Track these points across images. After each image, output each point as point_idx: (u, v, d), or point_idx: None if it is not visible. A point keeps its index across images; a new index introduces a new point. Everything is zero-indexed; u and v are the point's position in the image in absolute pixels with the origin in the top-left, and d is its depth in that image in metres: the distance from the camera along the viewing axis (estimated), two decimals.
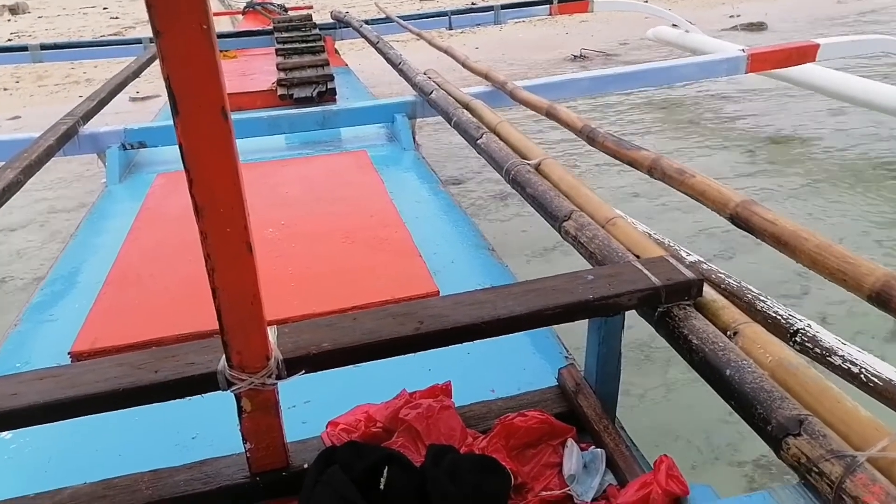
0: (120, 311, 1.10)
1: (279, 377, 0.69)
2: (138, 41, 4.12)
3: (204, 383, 0.68)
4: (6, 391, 0.67)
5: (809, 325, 0.76)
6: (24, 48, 4.06)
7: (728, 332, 0.74)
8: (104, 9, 10.96)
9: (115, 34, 8.49)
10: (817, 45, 2.61)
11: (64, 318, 1.18)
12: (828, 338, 0.73)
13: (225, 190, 0.57)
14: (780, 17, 7.00)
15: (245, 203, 0.58)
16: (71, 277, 1.36)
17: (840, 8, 7.37)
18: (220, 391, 0.69)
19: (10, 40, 8.55)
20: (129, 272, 1.23)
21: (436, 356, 0.78)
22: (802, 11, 7.28)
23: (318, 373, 0.72)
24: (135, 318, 1.08)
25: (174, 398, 0.69)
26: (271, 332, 0.70)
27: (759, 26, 6.62)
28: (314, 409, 0.89)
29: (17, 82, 6.70)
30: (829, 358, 0.71)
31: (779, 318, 0.79)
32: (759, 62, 2.55)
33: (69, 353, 0.99)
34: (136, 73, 2.79)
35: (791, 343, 0.76)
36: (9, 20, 10.54)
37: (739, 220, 1.01)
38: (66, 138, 1.85)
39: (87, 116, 2.06)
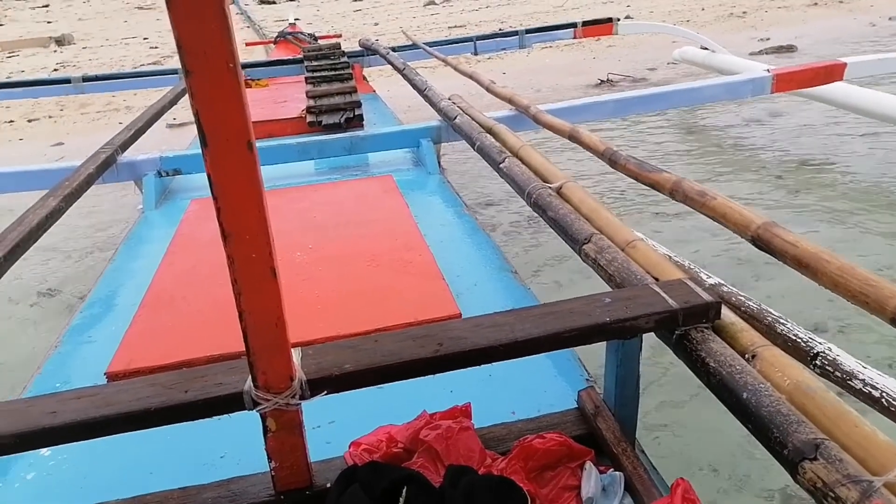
0: (154, 333, 1.14)
1: (303, 397, 0.71)
2: (174, 71, 4.27)
3: (231, 403, 0.71)
4: (46, 409, 0.70)
5: (830, 349, 0.75)
6: (67, 80, 4.23)
7: (746, 355, 0.74)
8: (144, 39, 11.37)
9: (154, 63, 8.79)
10: (844, 64, 2.59)
11: (101, 340, 1.23)
12: (848, 361, 0.73)
13: (251, 217, 0.60)
14: (810, 40, 6.92)
15: (270, 230, 0.61)
16: (108, 300, 1.41)
17: (873, 31, 7.26)
18: (247, 411, 0.71)
19: (55, 70, 8.92)
20: (164, 295, 1.27)
21: (457, 377, 0.79)
22: (833, 34, 7.19)
23: (342, 394, 0.74)
24: (168, 340, 1.12)
25: (203, 417, 0.71)
26: (295, 354, 0.73)
27: (788, 49, 6.56)
28: (338, 429, 0.91)
29: (62, 110, 6.97)
30: (849, 382, 0.71)
31: (799, 340, 0.79)
32: (785, 82, 2.54)
33: (105, 374, 1.03)
34: (173, 102, 2.89)
35: (811, 366, 0.76)
36: (55, 51, 11.00)
37: (761, 243, 1.01)
38: (105, 166, 1.93)
39: (126, 145, 2.14)
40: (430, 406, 0.89)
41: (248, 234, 0.61)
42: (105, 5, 17.84)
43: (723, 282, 0.96)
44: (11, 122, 6.74)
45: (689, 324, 0.78)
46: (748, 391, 0.67)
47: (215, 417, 0.74)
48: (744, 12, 8.50)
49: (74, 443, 0.71)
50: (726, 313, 0.81)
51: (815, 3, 8.60)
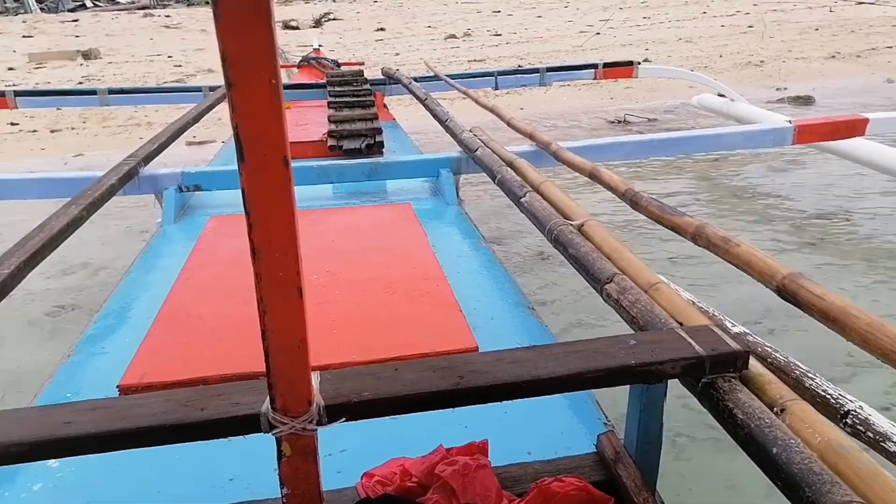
0: (168, 348, 1.14)
1: (320, 423, 0.70)
2: (198, 89, 4.33)
3: (247, 424, 0.69)
4: (60, 419, 0.69)
5: (861, 407, 0.74)
6: (93, 92, 4.30)
7: (775, 409, 0.72)
8: (169, 57, 11.58)
9: (177, 81, 8.94)
10: (867, 119, 2.59)
11: (114, 352, 1.22)
12: (881, 422, 0.71)
13: (281, 235, 0.60)
14: (827, 92, 6.98)
15: (299, 249, 0.60)
16: (122, 312, 1.41)
17: (891, 88, 7.31)
18: (262, 433, 0.70)
19: (80, 83, 9.09)
20: (179, 311, 1.27)
21: (473, 413, 0.78)
22: (851, 88, 7.25)
23: (355, 422, 0.72)
24: (182, 356, 1.11)
25: (218, 437, 0.70)
26: (314, 378, 0.72)
27: (806, 100, 6.61)
28: (350, 458, 0.89)
29: (84, 122, 7.08)
30: (882, 444, 0.69)
31: (828, 397, 0.77)
32: (807, 134, 2.54)
33: (118, 387, 1.02)
34: (196, 119, 2.93)
35: (841, 424, 0.74)
36: (81, 64, 11.22)
37: (786, 293, 0.99)
38: (127, 178, 1.94)
39: (148, 158, 2.16)
40: (443, 440, 0.87)
41: (277, 251, 0.60)
42: (132, 23, 18.25)
43: (748, 331, 0.94)
44: (35, 131, 6.86)
45: (715, 372, 0.77)
46: (778, 446, 0.65)
47: (226, 438, 0.72)
48: (761, 61, 8.59)
49: (85, 455, 0.70)
50: (753, 364, 0.80)
51: (833, 57, 8.69)
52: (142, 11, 22.35)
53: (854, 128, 2.61)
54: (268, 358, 0.66)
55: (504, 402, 0.76)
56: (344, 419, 0.70)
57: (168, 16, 20.22)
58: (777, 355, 0.86)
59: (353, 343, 1.13)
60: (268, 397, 0.69)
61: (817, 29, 10.75)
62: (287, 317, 0.64)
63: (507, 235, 3.36)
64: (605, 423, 0.99)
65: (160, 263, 1.68)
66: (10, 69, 10.78)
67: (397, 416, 0.74)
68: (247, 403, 0.71)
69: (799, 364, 0.84)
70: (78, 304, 2.83)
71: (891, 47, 8.94)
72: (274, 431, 0.69)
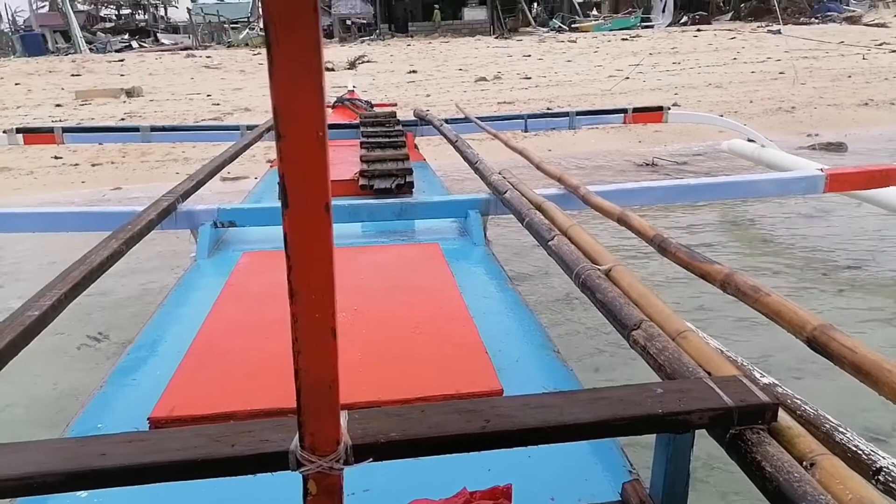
0: (199, 382, 1.16)
1: (347, 462, 0.71)
2: (236, 128, 4.47)
3: (276, 461, 0.71)
4: (96, 451, 0.71)
5: (894, 464, 0.72)
6: (135, 129, 4.47)
7: (804, 463, 0.71)
8: (208, 95, 11.99)
9: (214, 119, 9.24)
10: None
11: (145, 384, 1.25)
12: None
13: (319, 277, 0.62)
14: (860, 139, 6.92)
15: (334, 291, 0.62)
16: (154, 345, 1.44)
17: None
18: (283, 472, 0.71)
19: (122, 119, 9.45)
20: (211, 345, 1.30)
21: (496, 457, 0.78)
22: (885, 135, 7.18)
23: (382, 463, 0.73)
24: (212, 391, 1.13)
25: (246, 473, 0.71)
26: (343, 417, 0.73)
27: (838, 147, 6.56)
28: (373, 498, 0.90)
29: (124, 157, 7.34)
30: None
31: (860, 452, 0.75)
32: (838, 182, 2.52)
33: (148, 419, 1.04)
34: (233, 158, 3.02)
35: (873, 481, 0.72)
36: (124, 101, 11.68)
37: (817, 345, 0.98)
38: (165, 213, 2.01)
39: (186, 195, 2.23)
40: (466, 483, 0.87)
41: (314, 293, 0.62)
42: (175, 62, 18.99)
43: (777, 382, 0.93)
44: (76, 165, 7.12)
45: (744, 423, 0.76)
46: (808, 502, 0.64)
47: (250, 476, 0.74)
48: (792, 107, 8.57)
49: (117, 488, 0.72)
50: (782, 416, 0.79)
51: (866, 104, 8.63)
52: (184, 52, 23.26)
53: (888, 177, 2.58)
54: (299, 397, 0.67)
55: (528, 446, 0.76)
56: (371, 459, 0.71)
57: (209, 56, 21.00)
58: (807, 408, 0.85)
59: (378, 381, 1.14)
60: (297, 435, 0.70)
61: (850, 76, 10.71)
62: (320, 357, 0.66)
63: (531, 275, 3.36)
64: (629, 471, 0.98)
65: (193, 297, 1.72)
66: (58, 105, 11.28)
67: (419, 458, 0.75)
68: (276, 441, 0.72)
69: (829, 417, 0.83)
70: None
71: None
72: (301, 469, 0.70)
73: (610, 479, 0.95)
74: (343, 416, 0.74)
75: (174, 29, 44.12)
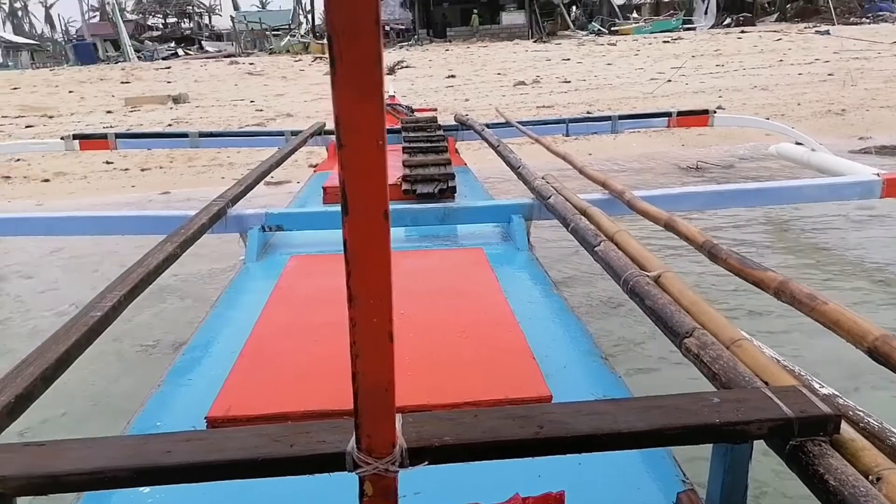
0: (253, 382, 1.19)
1: (402, 465, 0.72)
2: (280, 133, 4.56)
3: (333, 462, 0.72)
4: (161, 448, 0.74)
5: None
6: (184, 135, 4.60)
7: (870, 477, 0.69)
8: (251, 102, 12.25)
9: (257, 124, 9.44)
10: None
11: (201, 384, 1.28)
12: None
13: (378, 284, 0.63)
14: None
15: (391, 296, 0.63)
16: (208, 346, 1.48)
17: None
18: (345, 472, 0.72)
19: (169, 125, 9.73)
20: (263, 347, 1.33)
21: (547, 463, 0.78)
22: None
23: (435, 467, 0.74)
24: (266, 391, 1.16)
25: (305, 473, 0.73)
26: (397, 420, 0.74)
27: (892, 150, 6.34)
28: (425, 501, 0.90)
29: (171, 162, 7.55)
30: None
31: None
32: None
33: (206, 418, 1.07)
34: (279, 163, 3.08)
35: None
36: (171, 108, 12.03)
37: (879, 355, 0.95)
38: (216, 218, 2.06)
39: (235, 199, 2.29)
40: (517, 488, 0.87)
41: (373, 298, 0.64)
42: (219, 69, 19.47)
43: (838, 393, 0.91)
44: (126, 170, 7.36)
45: (804, 435, 0.74)
46: None
47: (306, 476, 0.75)
48: (843, 109, 8.31)
49: (178, 485, 0.74)
50: (845, 428, 0.77)
51: None
52: (228, 59, 23.83)
53: None
54: (357, 399, 0.69)
55: (578, 454, 0.76)
56: (426, 462, 0.72)
57: (252, 63, 21.46)
58: (870, 420, 0.82)
59: (428, 385, 1.15)
60: (353, 437, 0.71)
61: None
62: (378, 361, 0.67)
63: (575, 280, 3.33)
64: (683, 481, 0.96)
65: (243, 300, 1.76)
66: (109, 112, 11.68)
67: (471, 463, 0.75)
68: (332, 442, 0.74)
69: (895, 431, 0.80)
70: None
71: None
72: (358, 471, 0.72)
73: (663, 488, 0.94)
74: (398, 419, 0.75)
75: (218, 37, 45.28)
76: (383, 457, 0.72)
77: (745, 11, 29.78)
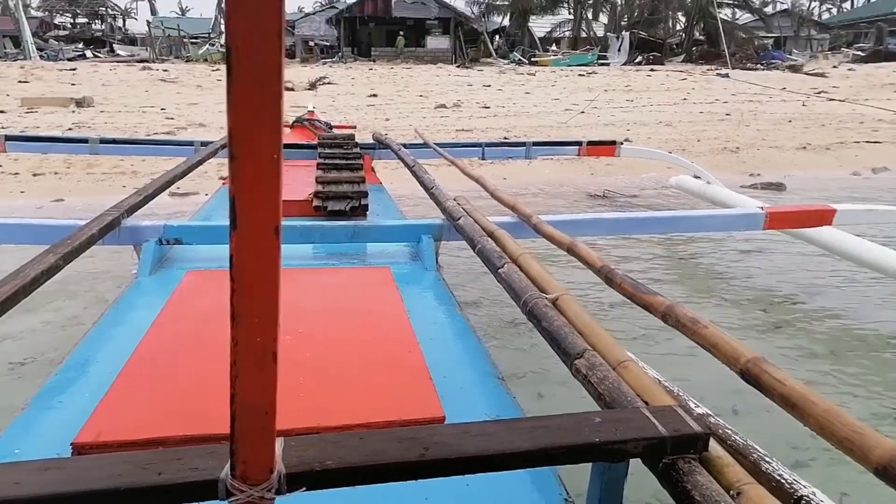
0: (129, 405, 1.11)
1: (279, 492, 0.69)
2: (190, 143, 4.39)
3: (204, 490, 0.69)
4: (9, 479, 0.68)
5: (814, 493, 0.75)
6: (84, 140, 4.34)
7: (731, 492, 0.73)
8: (162, 109, 11.76)
9: (167, 133, 9.05)
10: (834, 210, 2.70)
11: (72, 408, 1.19)
12: None
13: (264, 302, 0.61)
14: (798, 181, 7.28)
15: (278, 315, 0.61)
16: (85, 366, 1.38)
17: (858, 179, 7.63)
18: (219, 501, 0.69)
19: (69, 129, 9.16)
20: (145, 367, 1.25)
21: (435, 485, 0.77)
22: (820, 178, 7.56)
23: (318, 492, 0.72)
24: (142, 414, 1.09)
25: (173, 503, 0.69)
26: (278, 445, 0.71)
27: (777, 186, 6.88)
28: None
29: (68, 167, 7.10)
30: None
31: (783, 481, 0.78)
32: (777, 221, 2.63)
33: (71, 444, 0.99)
34: (185, 173, 2.95)
35: None
36: (73, 111, 11.35)
37: (749, 377, 1.01)
38: (108, 229, 1.94)
39: (132, 210, 2.17)
40: None
41: (257, 317, 0.61)
42: (130, 74, 18.61)
43: (710, 412, 0.96)
44: (16, 174, 6.85)
45: (677, 453, 0.78)
46: None
47: None
48: (737, 147, 8.93)
49: None
50: (713, 446, 0.81)
51: (804, 147, 9.06)
52: (140, 65, 22.82)
53: (822, 217, 2.71)
54: (233, 423, 0.66)
55: (470, 475, 0.76)
56: (304, 489, 0.69)
57: (166, 70, 20.65)
58: (736, 437, 0.87)
59: (319, 407, 1.12)
60: (228, 463, 0.68)
61: (790, 121, 11.26)
62: (259, 383, 0.64)
63: (482, 301, 3.38)
64: (565, 499, 0.98)
65: (131, 316, 1.66)
66: (1, 111, 10.87)
67: (355, 487, 0.73)
68: (206, 469, 0.70)
69: (757, 447, 0.85)
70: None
71: (858, 142, 9.37)
72: (231, 499, 0.68)
73: None
74: (278, 444, 0.72)
75: (131, 41, 43.34)
76: (259, 483, 0.69)
77: (655, 51, 31.63)
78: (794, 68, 22.91)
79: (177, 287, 1.72)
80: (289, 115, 7.12)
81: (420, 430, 0.79)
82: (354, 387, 1.22)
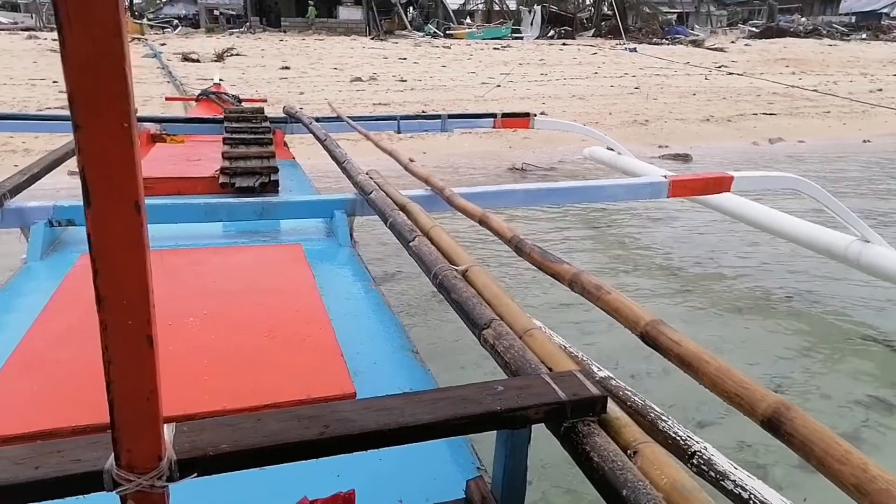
0: (15, 397, 1.03)
1: (171, 479, 0.66)
2: None
3: (88, 483, 0.64)
4: None
5: (706, 448, 0.79)
6: None
7: (629, 451, 0.76)
8: (54, 82, 10.91)
9: (61, 107, 8.41)
10: (731, 177, 2.85)
11: None
12: (722, 461, 0.76)
13: (131, 283, 0.57)
14: (702, 151, 7.66)
15: (151, 296, 0.57)
16: None
17: (757, 149, 8.11)
18: (108, 493, 0.65)
19: None
20: (33, 356, 1.16)
21: (346, 461, 0.76)
22: (722, 148, 7.98)
23: (219, 475, 0.69)
24: (30, 406, 1.01)
25: (54, 497, 0.64)
26: (168, 431, 0.68)
27: (684, 157, 7.21)
28: None
29: None
30: (722, 482, 0.73)
31: (678, 438, 0.82)
32: (680, 188, 2.75)
33: None
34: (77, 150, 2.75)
35: (688, 464, 0.78)
36: None
37: (649, 339, 1.05)
38: None
39: (16, 190, 2.01)
40: (313, 491, 0.84)
41: (125, 299, 0.57)
42: (14, 44, 17.12)
43: (612, 375, 0.99)
44: None
45: (576, 416, 0.79)
46: (628, 488, 0.68)
47: (71, 499, 0.67)
48: (646, 120, 9.26)
49: None
50: (612, 407, 0.83)
51: (708, 120, 9.51)
52: (26, 33, 21.02)
53: (721, 184, 2.85)
54: (112, 411, 0.62)
55: (378, 449, 0.75)
56: (196, 474, 0.66)
57: (56, 39, 19.11)
58: (636, 398, 0.91)
59: (223, 390, 1.08)
60: (112, 453, 0.64)
61: (695, 94, 11.77)
62: (135, 368, 0.60)
63: (401, 275, 3.37)
64: (477, 468, 0.99)
65: (20, 303, 1.54)
66: None
67: (265, 467, 0.71)
68: (89, 460, 0.66)
69: (654, 407, 0.89)
70: None
71: (756, 114, 9.93)
72: (119, 490, 0.65)
73: (458, 476, 0.96)
74: (168, 430, 0.69)
75: (13, 6, 39.79)
76: (147, 471, 0.65)
77: (567, 25, 32.13)
78: (696, 43, 23.91)
79: (70, 271, 1.61)
80: (194, 87, 6.77)
81: (322, 408, 0.77)
82: (261, 368, 1.18)
